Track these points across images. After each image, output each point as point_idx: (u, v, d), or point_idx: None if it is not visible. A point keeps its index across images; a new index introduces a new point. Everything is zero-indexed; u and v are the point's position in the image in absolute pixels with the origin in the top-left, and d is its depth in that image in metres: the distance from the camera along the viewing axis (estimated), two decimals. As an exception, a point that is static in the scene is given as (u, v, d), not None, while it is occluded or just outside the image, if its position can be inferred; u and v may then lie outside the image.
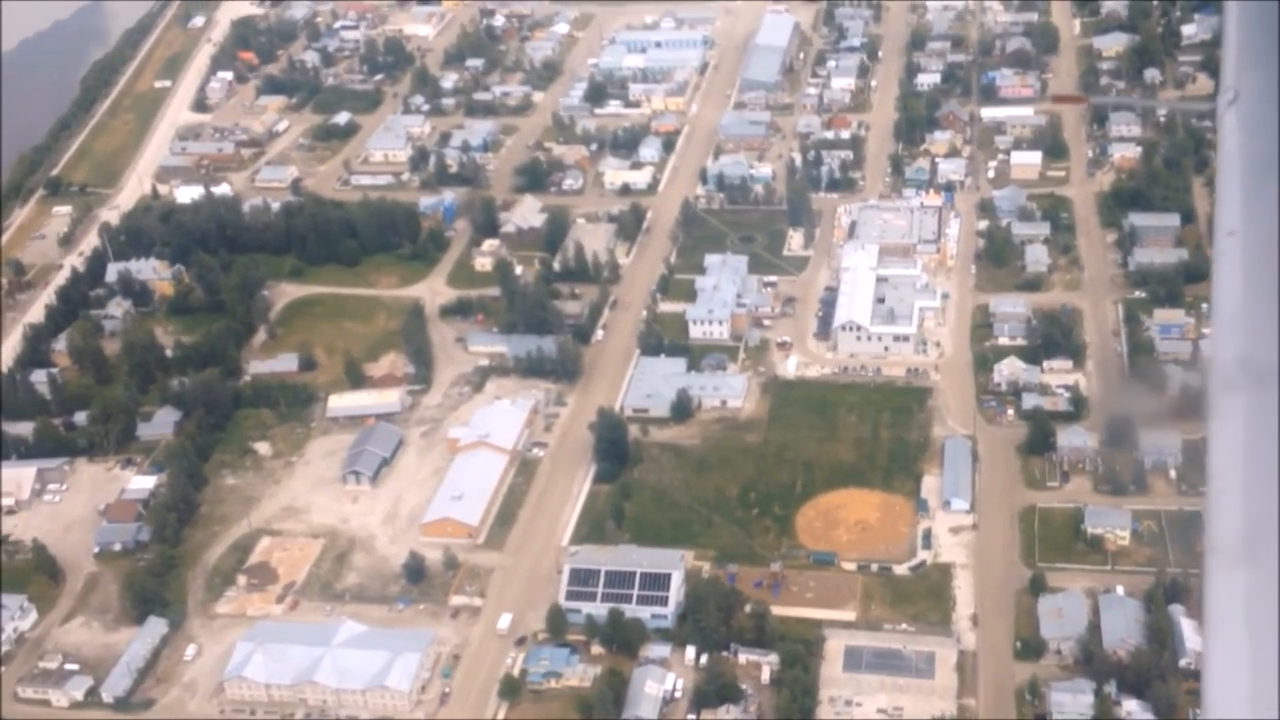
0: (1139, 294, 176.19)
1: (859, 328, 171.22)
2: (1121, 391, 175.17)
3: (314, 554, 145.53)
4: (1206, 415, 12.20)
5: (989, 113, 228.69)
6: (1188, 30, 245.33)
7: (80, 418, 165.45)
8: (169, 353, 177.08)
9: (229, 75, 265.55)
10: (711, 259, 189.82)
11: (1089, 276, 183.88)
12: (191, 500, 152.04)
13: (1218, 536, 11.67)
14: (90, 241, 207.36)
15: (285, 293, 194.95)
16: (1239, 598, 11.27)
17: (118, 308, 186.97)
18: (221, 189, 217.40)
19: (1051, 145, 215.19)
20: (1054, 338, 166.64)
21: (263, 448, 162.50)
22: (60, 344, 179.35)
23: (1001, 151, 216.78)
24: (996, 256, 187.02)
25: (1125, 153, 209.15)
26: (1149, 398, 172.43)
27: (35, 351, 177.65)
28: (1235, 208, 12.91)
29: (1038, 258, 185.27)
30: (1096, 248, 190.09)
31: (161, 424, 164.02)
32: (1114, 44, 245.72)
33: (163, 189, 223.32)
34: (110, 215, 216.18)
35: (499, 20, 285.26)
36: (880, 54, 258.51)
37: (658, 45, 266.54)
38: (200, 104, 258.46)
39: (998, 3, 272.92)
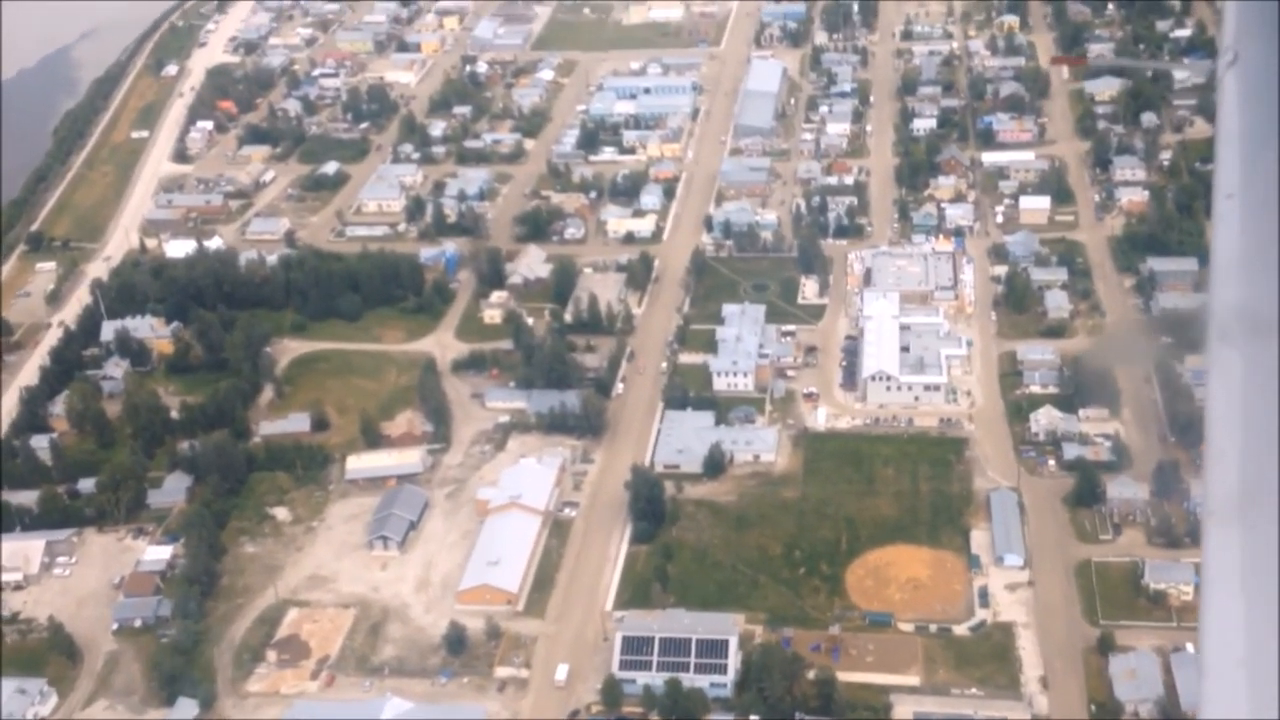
0: (1165, 340, 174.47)
1: (889, 378, 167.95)
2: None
3: (346, 625, 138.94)
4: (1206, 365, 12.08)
5: (990, 157, 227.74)
6: (1179, 74, 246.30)
7: (86, 485, 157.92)
8: (174, 414, 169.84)
9: (209, 125, 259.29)
10: (730, 309, 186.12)
11: (1111, 322, 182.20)
12: (212, 571, 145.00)
13: (1215, 494, 11.48)
14: (79, 299, 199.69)
15: (288, 349, 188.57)
16: (1236, 556, 11.08)
17: (116, 368, 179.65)
18: (213, 242, 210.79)
19: (1057, 189, 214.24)
20: (1088, 385, 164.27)
21: (281, 513, 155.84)
22: (58, 407, 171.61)
23: (1007, 196, 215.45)
24: (1017, 303, 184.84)
25: (1132, 196, 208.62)
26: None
27: (33, 416, 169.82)
28: (1234, 171, 12.68)
29: (1059, 303, 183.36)
30: (1115, 293, 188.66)
31: (173, 490, 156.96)
32: (1106, 88, 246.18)
33: (150, 243, 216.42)
34: (97, 271, 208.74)
35: (482, 67, 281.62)
36: (871, 99, 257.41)
37: (647, 91, 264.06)
38: (181, 155, 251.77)
39: (984, 48, 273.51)
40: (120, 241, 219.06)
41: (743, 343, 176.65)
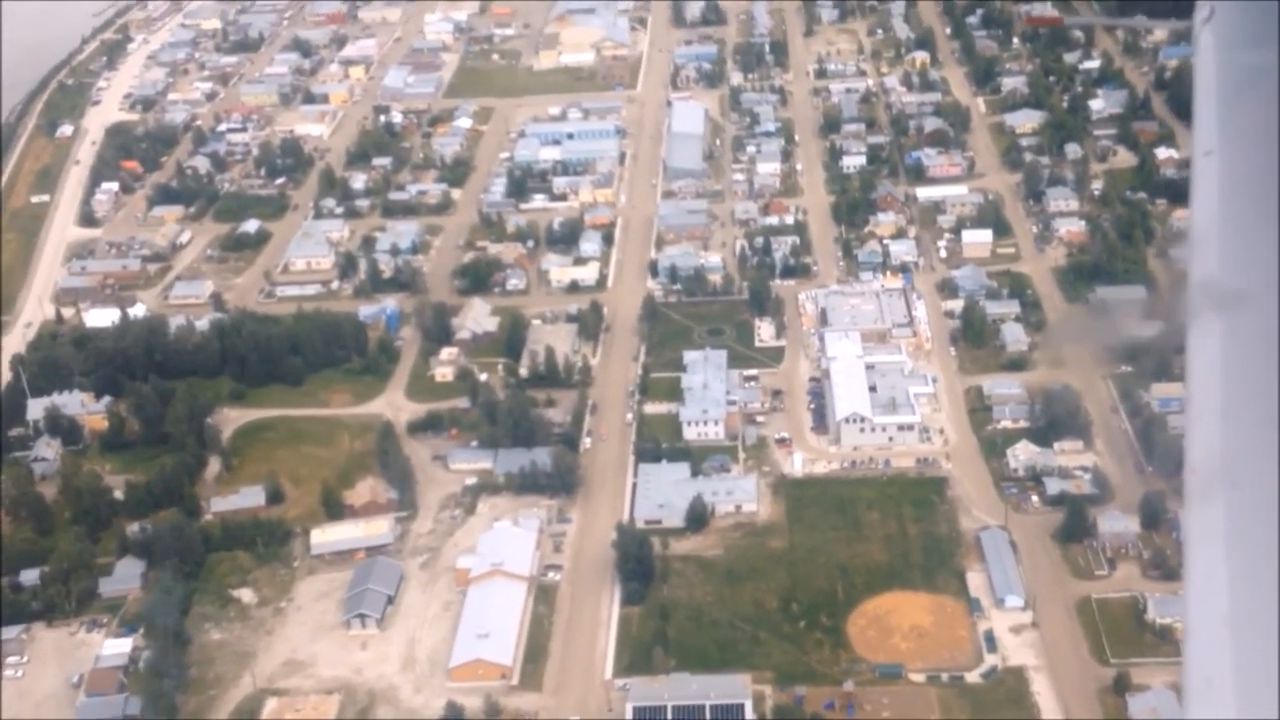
0: (1125, 369, 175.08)
1: (863, 419, 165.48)
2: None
3: (331, 712, 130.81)
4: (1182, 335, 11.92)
5: (924, 192, 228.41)
6: (1095, 105, 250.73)
7: (28, 576, 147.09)
8: (118, 495, 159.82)
9: (114, 186, 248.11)
10: (691, 356, 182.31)
11: (1070, 354, 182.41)
12: (179, 662, 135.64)
13: (1195, 460, 11.45)
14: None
15: (229, 419, 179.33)
16: (1219, 520, 11.06)
17: (48, 448, 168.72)
18: (136, 309, 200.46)
19: (995, 222, 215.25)
20: (1060, 418, 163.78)
21: (245, 595, 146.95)
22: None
23: (948, 231, 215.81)
24: (975, 337, 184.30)
25: (1070, 227, 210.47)
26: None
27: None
28: (1212, 127, 12.65)
29: (1017, 336, 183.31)
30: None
31: (126, 577, 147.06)
32: (1026, 121, 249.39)
33: (67, 312, 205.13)
34: (12, 345, 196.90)
35: (397, 117, 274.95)
36: (796, 138, 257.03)
37: (570, 136, 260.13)
38: (88, 218, 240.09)
39: (899, 84, 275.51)
40: (34, 313, 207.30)
41: (710, 390, 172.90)
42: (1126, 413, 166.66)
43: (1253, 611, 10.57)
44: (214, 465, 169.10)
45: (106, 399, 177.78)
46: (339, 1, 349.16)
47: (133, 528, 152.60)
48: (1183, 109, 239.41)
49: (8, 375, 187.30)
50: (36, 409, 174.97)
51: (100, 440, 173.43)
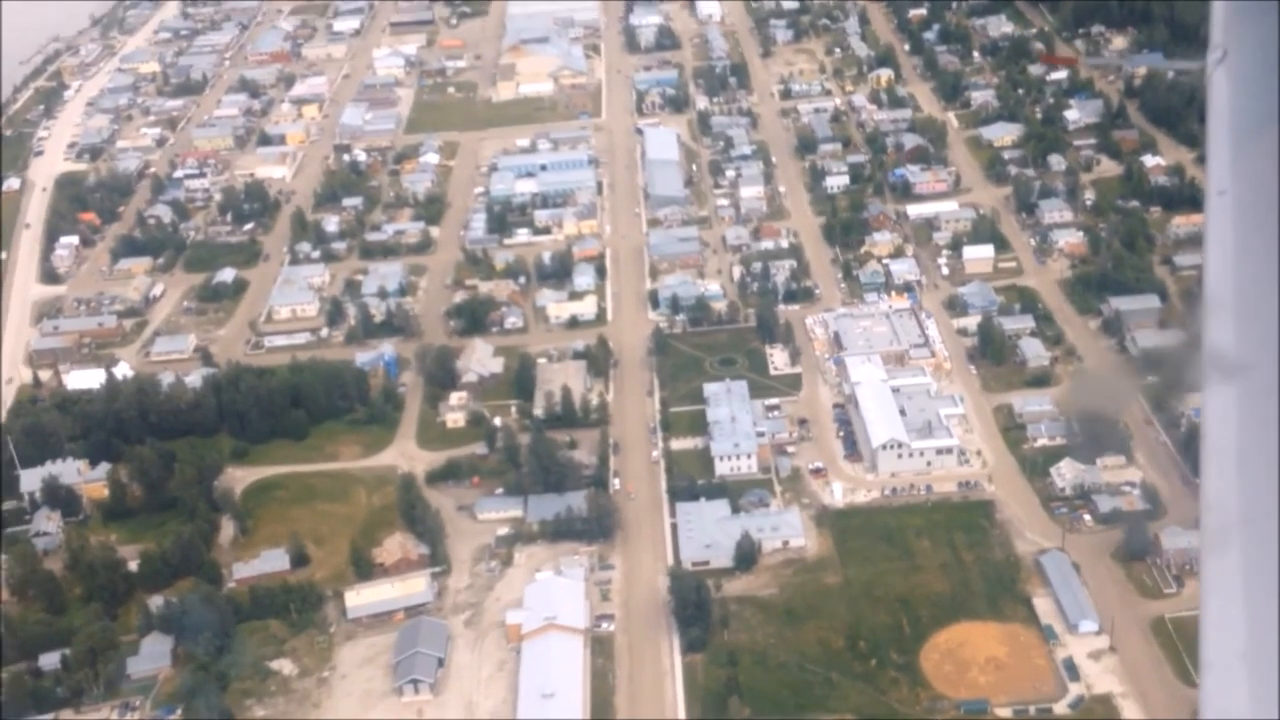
0: (1151, 379, 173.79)
1: (900, 445, 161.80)
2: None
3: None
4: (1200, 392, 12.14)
5: (914, 209, 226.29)
6: (1071, 115, 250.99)
7: (48, 660, 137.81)
8: (132, 566, 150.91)
9: (74, 240, 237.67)
10: (712, 388, 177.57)
11: (1091, 366, 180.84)
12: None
13: (1211, 499, 11.62)
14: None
15: (235, 479, 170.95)
16: (1235, 560, 11.33)
17: (48, 521, 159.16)
18: (120, 368, 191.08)
19: (991, 237, 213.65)
20: (1098, 433, 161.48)
21: (284, 666, 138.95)
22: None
23: (945, 248, 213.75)
24: (995, 354, 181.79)
25: (1068, 238, 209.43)
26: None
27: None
28: (1225, 166, 12.82)
29: (1037, 352, 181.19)
30: (1083, 335, 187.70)
31: (154, 655, 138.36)
32: (1003, 134, 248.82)
33: (44, 375, 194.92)
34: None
35: (361, 155, 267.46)
36: (774, 160, 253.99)
37: (543, 168, 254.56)
38: (50, 275, 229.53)
39: (868, 102, 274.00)
40: (7, 376, 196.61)
41: (739, 423, 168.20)
42: (1162, 424, 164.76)
43: (1269, 649, 10.78)
44: (227, 529, 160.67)
45: (103, 465, 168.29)
46: (281, 39, 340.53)
47: (155, 601, 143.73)
48: (1159, 117, 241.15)
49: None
50: (30, 480, 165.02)
51: (101, 509, 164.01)
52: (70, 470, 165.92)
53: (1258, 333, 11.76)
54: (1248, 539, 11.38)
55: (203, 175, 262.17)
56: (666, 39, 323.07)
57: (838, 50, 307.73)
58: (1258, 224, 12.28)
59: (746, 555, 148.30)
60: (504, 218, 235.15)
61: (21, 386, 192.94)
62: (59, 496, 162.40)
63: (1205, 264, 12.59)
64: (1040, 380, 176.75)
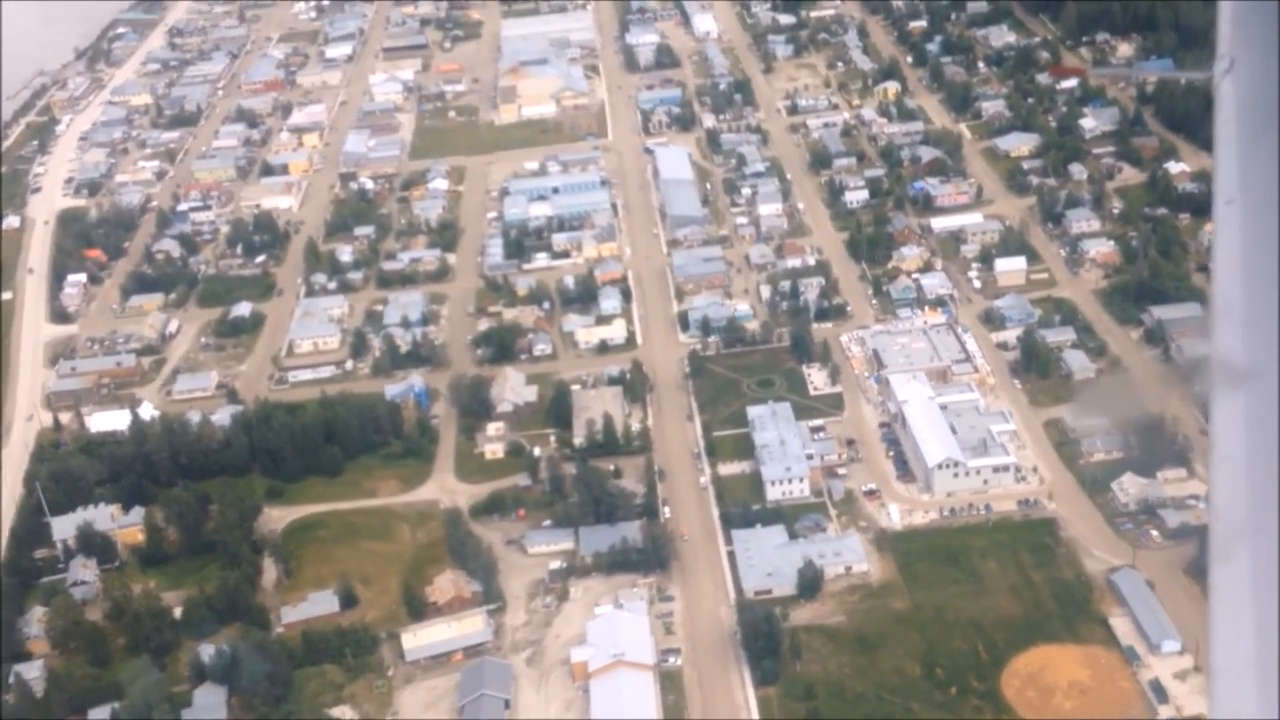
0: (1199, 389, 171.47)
1: (956, 464, 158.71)
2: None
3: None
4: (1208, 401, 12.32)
5: (938, 223, 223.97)
6: (1087, 124, 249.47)
7: (98, 715, 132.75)
8: (177, 614, 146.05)
9: (82, 278, 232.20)
10: (756, 411, 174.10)
11: (1138, 377, 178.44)
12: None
13: (1220, 508, 11.79)
14: (9, 495, 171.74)
15: (272, 519, 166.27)
16: (1243, 569, 11.49)
17: (85, 569, 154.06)
18: (144, 409, 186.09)
19: (1020, 249, 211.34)
20: (1157, 446, 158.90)
21: (344, 713, 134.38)
22: (32, 627, 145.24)
23: (975, 261, 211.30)
24: (1040, 368, 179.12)
25: (1099, 248, 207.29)
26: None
27: (6, 643, 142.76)
28: (1233, 176, 12.96)
29: (1083, 364, 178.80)
30: (1124, 346, 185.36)
31: (209, 707, 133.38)
32: (1020, 144, 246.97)
33: (64, 418, 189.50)
34: (6, 457, 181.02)
35: (368, 183, 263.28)
36: (789, 176, 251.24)
37: (556, 191, 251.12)
38: (60, 314, 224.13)
39: (878, 116, 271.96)
40: (25, 423, 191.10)
41: (788, 446, 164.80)
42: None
43: (1275, 653, 11.04)
44: (270, 571, 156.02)
45: (136, 510, 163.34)
46: (273, 67, 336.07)
47: (205, 649, 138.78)
48: (1177, 123, 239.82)
49: (8, 487, 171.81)
50: (61, 527, 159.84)
51: (137, 555, 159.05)
52: (104, 516, 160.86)
53: (1266, 341, 11.82)
54: (1255, 546, 11.54)
55: (208, 208, 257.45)
56: (666, 57, 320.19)
57: (840, 64, 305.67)
58: (1265, 233, 12.28)
59: (811, 583, 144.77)
60: (521, 242, 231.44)
61: (41, 430, 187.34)
62: (94, 544, 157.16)
63: (1213, 272, 12.59)
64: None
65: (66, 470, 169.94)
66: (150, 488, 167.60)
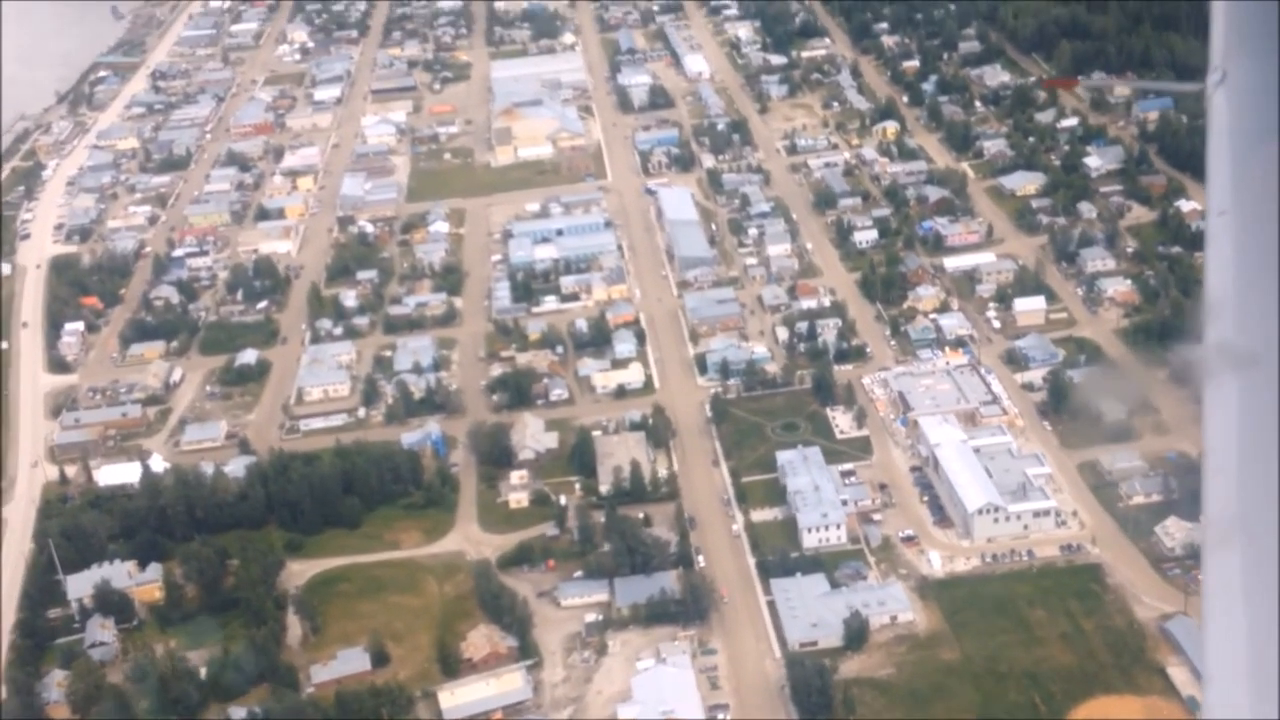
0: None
1: (996, 509, 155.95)
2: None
3: None
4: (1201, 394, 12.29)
5: (950, 263, 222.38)
6: (1091, 162, 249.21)
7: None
8: (203, 675, 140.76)
9: (79, 326, 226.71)
10: (786, 456, 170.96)
11: (1169, 418, 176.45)
12: None
13: (1213, 511, 11.97)
14: (12, 553, 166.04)
15: (293, 573, 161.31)
16: (1236, 571, 11.42)
17: (102, 630, 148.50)
18: (154, 461, 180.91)
19: (1037, 288, 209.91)
20: (1199, 488, 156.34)
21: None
22: (51, 691, 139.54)
23: (991, 300, 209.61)
24: (1074, 410, 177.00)
25: (1117, 287, 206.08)
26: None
27: (24, 708, 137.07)
28: (1226, 187, 12.88)
29: (1113, 405, 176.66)
30: (1154, 386, 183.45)
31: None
32: (1025, 183, 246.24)
33: (70, 471, 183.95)
34: (16, 514, 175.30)
35: (368, 227, 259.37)
36: (794, 216, 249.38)
37: (560, 233, 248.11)
38: (58, 363, 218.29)
39: (878, 155, 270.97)
40: (30, 477, 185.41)
41: (822, 491, 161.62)
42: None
43: (1271, 658, 10.84)
44: (295, 628, 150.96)
45: (153, 566, 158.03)
46: (262, 110, 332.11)
47: (235, 713, 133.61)
48: (1182, 162, 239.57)
49: (12, 545, 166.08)
50: (76, 586, 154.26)
51: (155, 614, 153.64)
52: (120, 573, 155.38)
53: (1259, 346, 11.79)
54: (1248, 541, 11.43)
55: (204, 253, 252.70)
56: (660, 98, 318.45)
57: (835, 104, 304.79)
58: (1258, 242, 12.19)
59: (857, 634, 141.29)
60: (529, 285, 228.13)
61: (46, 484, 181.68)
62: (112, 602, 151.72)
63: (1206, 280, 12.81)
64: (1122, 434, 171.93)
65: (78, 526, 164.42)
66: (165, 543, 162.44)
